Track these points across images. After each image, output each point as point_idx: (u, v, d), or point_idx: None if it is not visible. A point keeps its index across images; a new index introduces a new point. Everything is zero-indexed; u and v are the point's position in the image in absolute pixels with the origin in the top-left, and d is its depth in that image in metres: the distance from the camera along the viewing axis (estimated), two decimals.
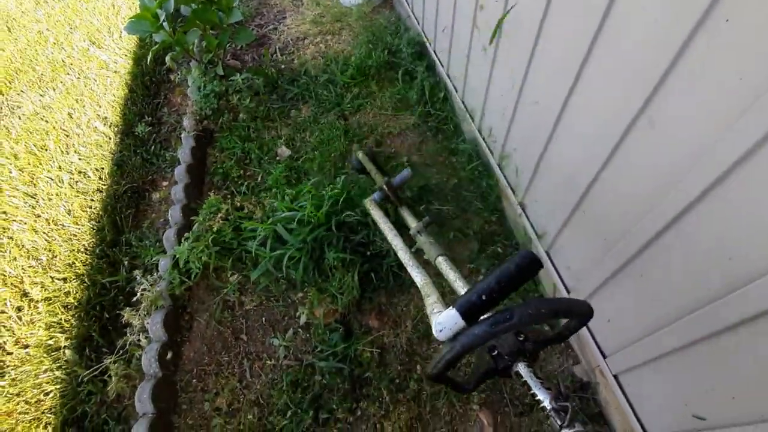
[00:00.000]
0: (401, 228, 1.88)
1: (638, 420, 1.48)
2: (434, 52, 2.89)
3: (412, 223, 1.88)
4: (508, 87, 1.87)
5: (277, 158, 2.77)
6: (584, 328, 1.60)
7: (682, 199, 1.03)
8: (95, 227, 2.53)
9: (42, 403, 1.97)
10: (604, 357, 1.61)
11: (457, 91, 2.63)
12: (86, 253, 2.43)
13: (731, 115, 0.86)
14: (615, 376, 1.57)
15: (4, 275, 2.41)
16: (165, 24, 2.82)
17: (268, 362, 2.00)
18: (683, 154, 1.01)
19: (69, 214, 2.62)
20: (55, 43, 3.91)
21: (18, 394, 1.99)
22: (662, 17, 0.98)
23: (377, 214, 1.95)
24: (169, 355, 1.97)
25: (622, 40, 1.14)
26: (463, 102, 2.56)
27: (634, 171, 1.22)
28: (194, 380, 1.98)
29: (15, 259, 2.47)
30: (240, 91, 2.98)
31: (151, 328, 1.98)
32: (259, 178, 2.69)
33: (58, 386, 2.00)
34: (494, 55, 1.94)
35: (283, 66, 3.33)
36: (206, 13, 2.92)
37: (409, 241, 1.79)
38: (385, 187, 2.06)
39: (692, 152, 0.98)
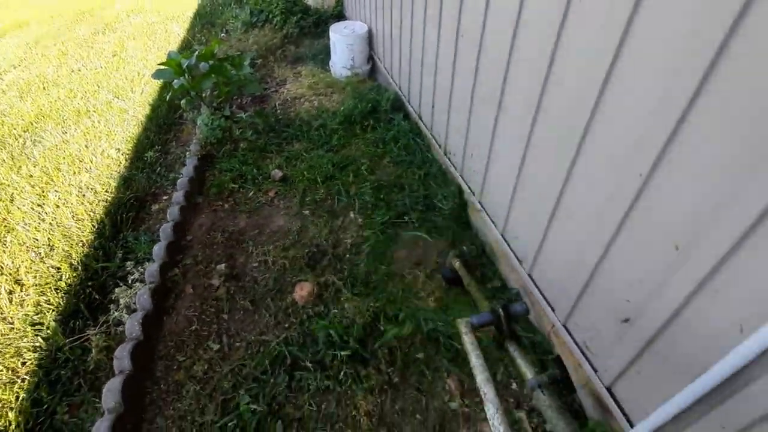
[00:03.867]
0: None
1: None
2: (408, 102, 3.50)
3: (529, 371, 1.50)
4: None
5: (270, 179, 3.14)
6: None
7: None
8: (96, 227, 2.75)
9: (17, 371, 1.98)
10: None
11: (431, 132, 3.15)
12: (83, 246, 2.61)
13: None
14: None
15: (2, 267, 2.55)
16: (186, 73, 3.41)
17: (248, 336, 2.10)
18: None
19: (72, 218, 2.84)
20: (82, 97, 4.50)
21: None
22: None
23: (471, 345, 1.56)
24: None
25: None
26: (432, 135, 3.07)
27: None
28: (172, 350, 2.04)
29: (14, 253, 2.63)
30: (243, 128, 3.46)
31: (139, 298, 2.10)
32: (250, 194, 3.02)
33: (36, 354, 2.03)
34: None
35: (281, 116, 3.90)
36: (221, 69, 3.54)
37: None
38: (501, 312, 1.72)
39: None
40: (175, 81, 3.48)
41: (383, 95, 3.83)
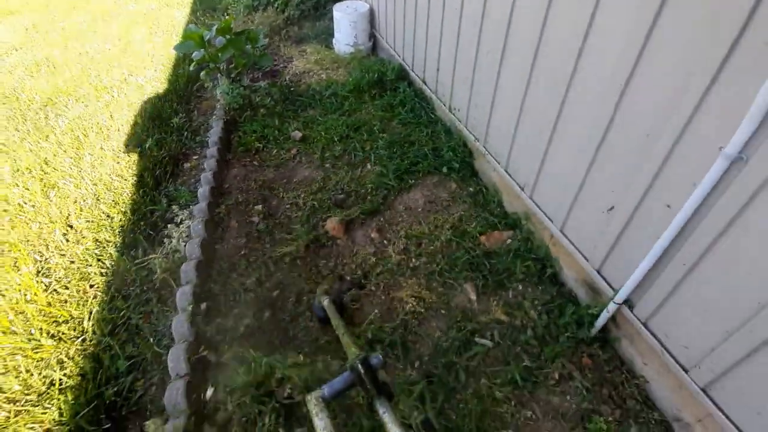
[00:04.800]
0: None
1: None
2: (412, 70, 3.85)
3: None
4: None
5: (291, 139, 3.45)
6: None
7: None
8: (137, 181, 3.01)
9: (86, 292, 2.26)
10: None
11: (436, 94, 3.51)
12: (129, 195, 2.88)
13: None
14: None
15: (51, 215, 2.79)
16: (206, 45, 3.68)
17: (288, 258, 2.42)
18: None
19: (113, 174, 3.10)
20: (97, 75, 4.69)
21: (67, 288, 2.29)
22: None
23: (323, 425, 1.26)
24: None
25: None
26: (437, 96, 3.43)
27: None
28: (227, 270, 2.35)
29: (61, 205, 2.87)
30: (261, 96, 3.76)
31: (194, 228, 2.40)
32: (274, 152, 3.33)
33: (103, 278, 2.31)
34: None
35: (293, 87, 4.20)
36: (238, 42, 3.82)
37: None
38: (360, 367, 1.34)
39: None
40: (195, 53, 3.74)
41: (388, 67, 4.16)
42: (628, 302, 1.81)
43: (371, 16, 4.68)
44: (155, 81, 4.44)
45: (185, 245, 2.39)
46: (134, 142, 3.47)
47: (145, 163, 3.18)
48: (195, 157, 3.37)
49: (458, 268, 2.36)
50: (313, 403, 1.31)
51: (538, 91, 2.14)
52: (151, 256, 2.38)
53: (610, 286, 1.89)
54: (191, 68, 3.81)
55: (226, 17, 5.92)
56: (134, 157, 3.30)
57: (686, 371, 1.59)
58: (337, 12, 4.56)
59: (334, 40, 4.89)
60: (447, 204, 2.79)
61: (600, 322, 1.93)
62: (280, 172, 3.13)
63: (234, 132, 3.54)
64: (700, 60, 1.30)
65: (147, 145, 3.35)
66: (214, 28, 3.70)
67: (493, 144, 2.70)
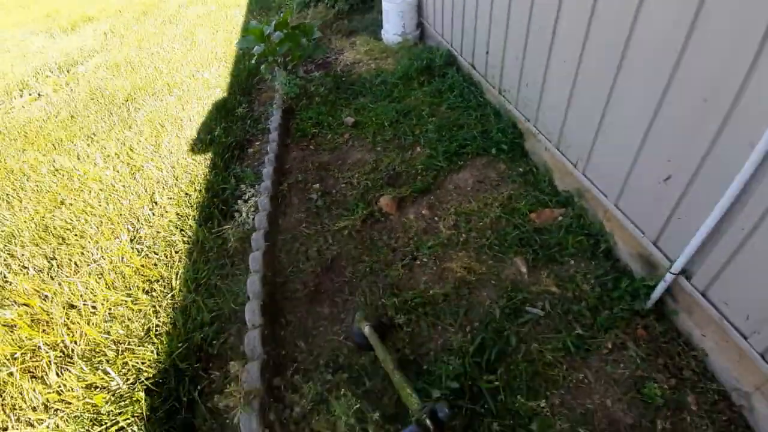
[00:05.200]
0: None
1: None
2: (460, 55, 3.91)
3: None
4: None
5: (344, 124, 3.64)
6: None
7: None
8: (209, 163, 3.33)
9: (172, 257, 2.57)
10: None
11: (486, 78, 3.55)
12: (203, 176, 3.20)
13: None
14: None
15: (139, 193, 3.17)
16: (266, 40, 3.95)
17: (345, 231, 2.61)
18: None
19: (188, 157, 3.45)
20: (168, 73, 5.16)
21: (156, 253, 2.62)
22: None
23: None
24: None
25: None
26: (485, 79, 3.47)
27: None
28: (290, 239, 2.58)
29: (147, 184, 3.25)
30: (316, 85, 3.98)
31: (261, 203, 2.65)
32: (329, 136, 3.53)
33: (186, 245, 2.62)
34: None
35: (344, 77, 4.39)
36: (295, 36, 4.07)
37: None
38: (427, 421, 1.27)
39: None
40: (256, 47, 4.03)
41: (436, 53, 4.24)
42: (685, 272, 1.80)
43: (419, 4, 4.77)
44: (219, 76, 4.82)
45: (253, 218, 2.65)
46: (204, 130, 3.81)
47: (215, 149, 3.50)
48: (257, 143, 3.65)
49: (508, 242, 2.42)
50: None
51: (591, 64, 2.15)
52: (225, 227, 2.66)
53: (667, 257, 1.88)
54: (252, 62, 4.11)
55: (281, 14, 6.28)
56: (205, 143, 3.64)
57: (746, 338, 1.58)
58: (386, 3, 4.69)
59: (382, 31, 5.03)
60: (496, 183, 2.85)
61: (656, 293, 1.93)
62: (334, 155, 3.33)
63: (292, 119, 3.79)
64: (755, 16, 1.29)
65: (216, 133, 3.68)
66: (273, 23, 3.97)
67: (544, 123, 2.72)
